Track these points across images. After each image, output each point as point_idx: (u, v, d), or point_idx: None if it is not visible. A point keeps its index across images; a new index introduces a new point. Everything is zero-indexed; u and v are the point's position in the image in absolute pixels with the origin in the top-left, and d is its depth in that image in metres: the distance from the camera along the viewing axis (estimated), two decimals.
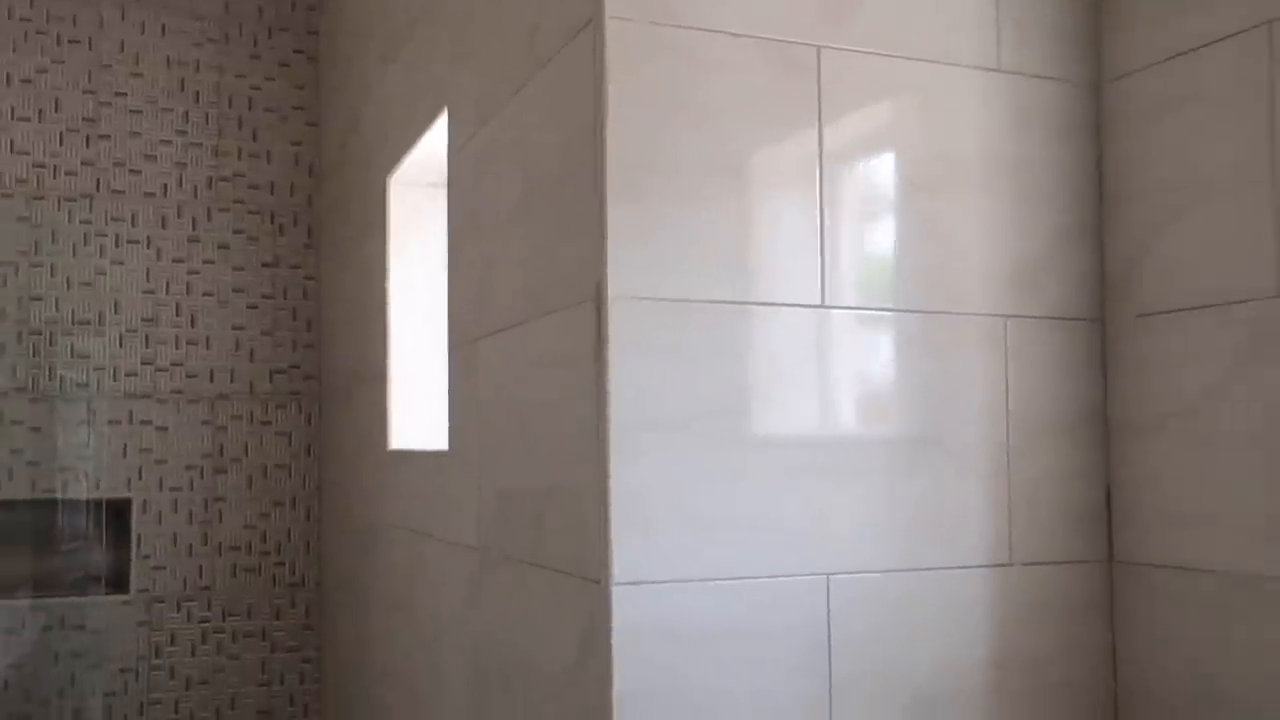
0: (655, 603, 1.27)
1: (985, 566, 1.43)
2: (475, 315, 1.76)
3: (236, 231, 3.15)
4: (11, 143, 2.97)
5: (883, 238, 1.41)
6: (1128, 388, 1.47)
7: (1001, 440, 1.44)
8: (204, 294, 3.12)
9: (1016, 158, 1.47)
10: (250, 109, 3.17)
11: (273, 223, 3.19)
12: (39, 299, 2.97)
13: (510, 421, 1.60)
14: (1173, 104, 1.41)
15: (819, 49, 1.37)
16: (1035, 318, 1.47)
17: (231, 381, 3.12)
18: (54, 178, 3.00)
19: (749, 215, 1.34)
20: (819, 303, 1.37)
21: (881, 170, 1.41)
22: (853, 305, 1.38)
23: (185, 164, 3.11)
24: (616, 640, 1.25)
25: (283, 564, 3.13)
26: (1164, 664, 1.42)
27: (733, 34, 1.33)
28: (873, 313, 1.39)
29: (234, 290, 3.15)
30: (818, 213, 1.37)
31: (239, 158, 3.16)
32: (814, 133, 1.37)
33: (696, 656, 1.28)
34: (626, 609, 1.26)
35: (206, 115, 3.13)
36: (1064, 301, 1.48)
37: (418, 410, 2.30)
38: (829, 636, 1.34)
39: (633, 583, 1.26)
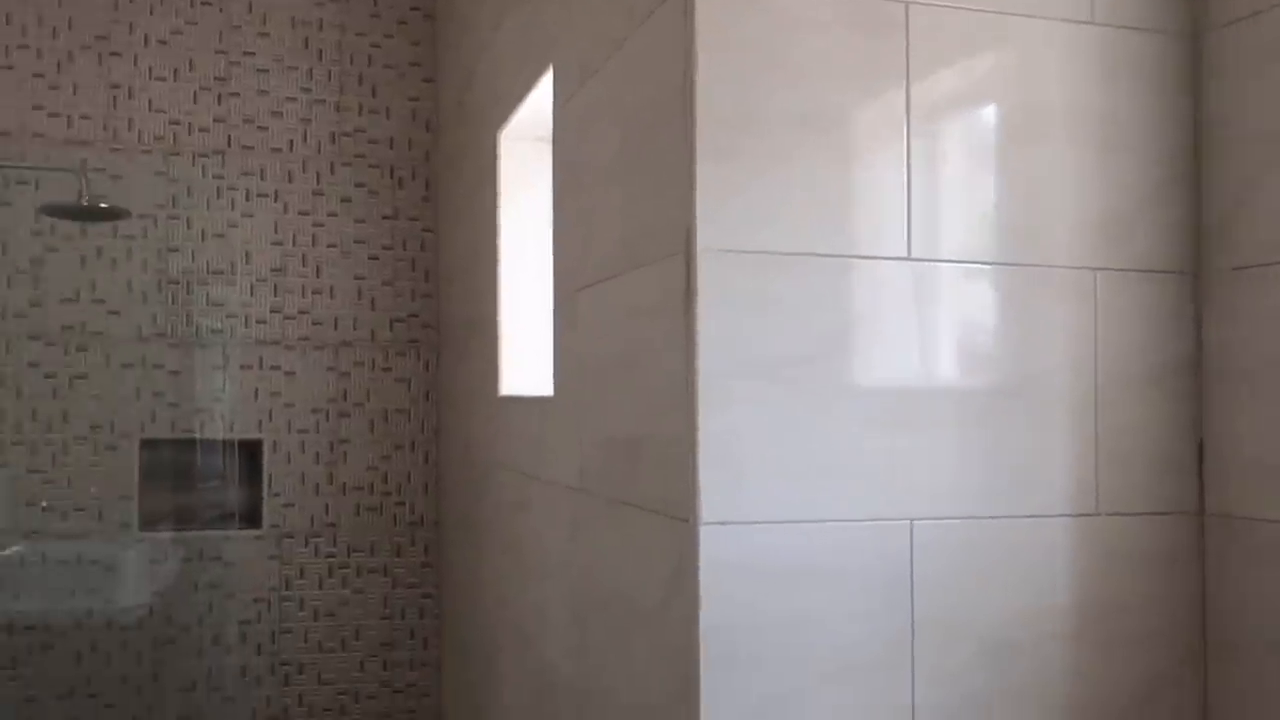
0: (740, 542, 1.33)
1: (1070, 515, 1.45)
2: (576, 267, 1.83)
3: (358, 185, 3.28)
4: (150, 101, 3.14)
5: (970, 191, 1.43)
6: (1221, 340, 1.47)
7: (1089, 391, 1.46)
8: (328, 245, 3.25)
9: (1108, 110, 1.47)
10: (370, 66, 3.28)
11: (392, 176, 3.31)
12: (176, 250, 3.15)
13: (608, 369, 1.67)
14: (1276, 54, 1.40)
15: (907, 4, 1.39)
16: (1125, 270, 1.47)
17: (354, 329, 3.27)
18: (189, 135, 3.16)
19: (835, 170, 1.37)
20: (905, 255, 1.40)
21: (969, 125, 1.43)
22: (938, 258, 1.41)
23: (309, 120, 3.24)
24: (703, 577, 1.32)
25: (403, 504, 3.28)
26: (1254, 616, 1.43)
27: None
28: (959, 265, 1.41)
29: (356, 242, 3.28)
30: (904, 167, 1.40)
31: (359, 113, 3.28)
32: (901, 88, 1.40)
33: (779, 593, 1.34)
34: (712, 547, 1.32)
35: (329, 73, 3.25)
36: (1155, 254, 1.49)
37: (526, 358, 2.39)
38: (911, 578, 1.39)
39: (719, 523, 1.32)
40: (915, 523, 1.39)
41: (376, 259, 3.30)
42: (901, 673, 1.38)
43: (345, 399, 3.26)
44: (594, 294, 1.73)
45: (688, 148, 1.34)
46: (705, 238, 1.32)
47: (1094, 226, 1.46)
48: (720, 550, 1.32)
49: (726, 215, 1.33)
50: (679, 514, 1.36)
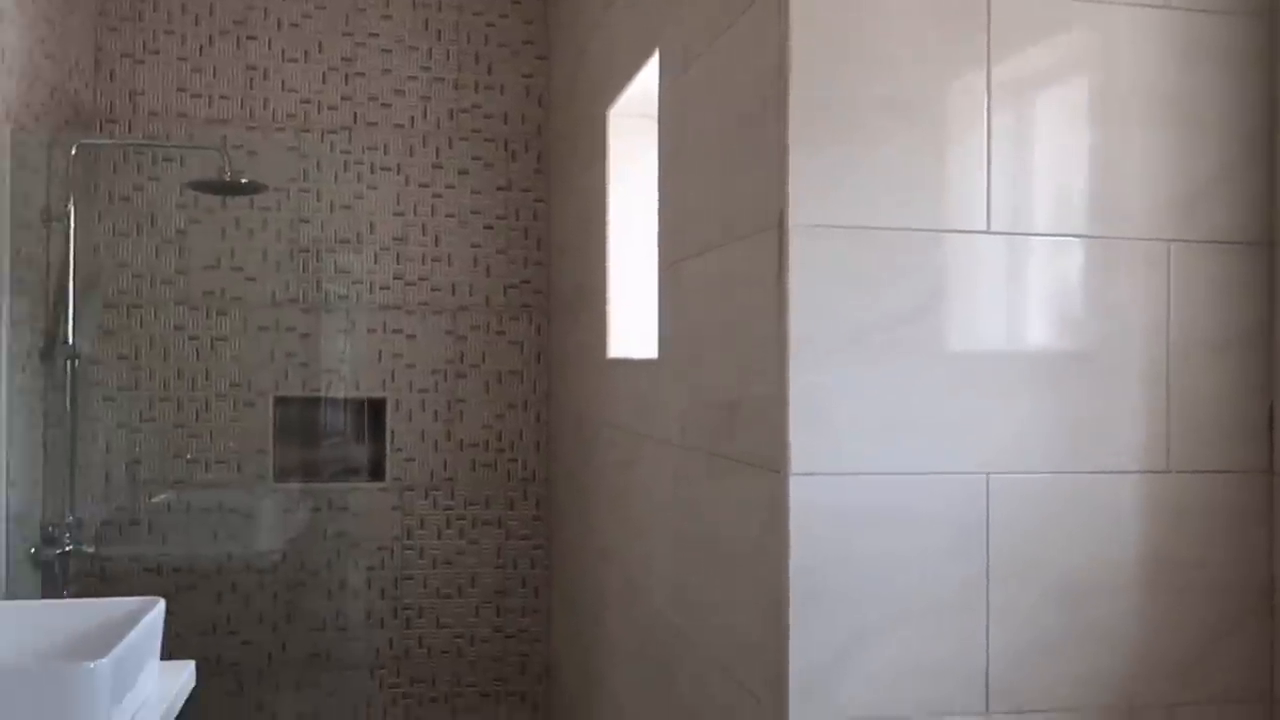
0: (826, 491, 1.46)
1: (1141, 472, 1.55)
2: (678, 238, 1.97)
3: (474, 158, 3.45)
4: (283, 82, 3.35)
5: (1048, 168, 1.52)
6: None
7: (1162, 356, 1.55)
8: (446, 215, 3.44)
9: (1185, 89, 1.55)
10: (486, 44, 3.45)
11: (506, 150, 3.47)
12: (306, 221, 3.36)
13: (708, 334, 1.80)
14: None
15: None
16: (1199, 242, 1.55)
17: (470, 295, 3.45)
18: (318, 113, 3.36)
19: (920, 150, 1.48)
20: (985, 229, 1.50)
21: (1048, 105, 1.52)
22: (1017, 231, 1.51)
23: (429, 97, 3.42)
24: (792, 523, 1.45)
25: (515, 460, 3.47)
26: None
27: None
28: (1037, 237, 1.51)
29: (472, 212, 3.46)
30: (985, 145, 1.50)
31: (476, 90, 3.45)
32: (983, 71, 1.50)
33: (862, 538, 1.46)
34: (801, 496, 1.45)
35: (447, 52, 3.43)
36: (1229, 227, 1.56)
37: (632, 323, 2.53)
38: (987, 527, 1.50)
39: (807, 474, 1.45)
40: (992, 476, 1.50)
41: (491, 228, 3.47)
42: (976, 614, 1.50)
43: (462, 361, 3.45)
44: (694, 264, 1.87)
45: (780, 130, 1.46)
46: (797, 214, 1.45)
47: (1169, 201, 1.55)
48: (808, 498, 1.45)
49: (815, 192, 1.45)
50: (772, 466, 1.50)
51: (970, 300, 1.50)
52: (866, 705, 1.46)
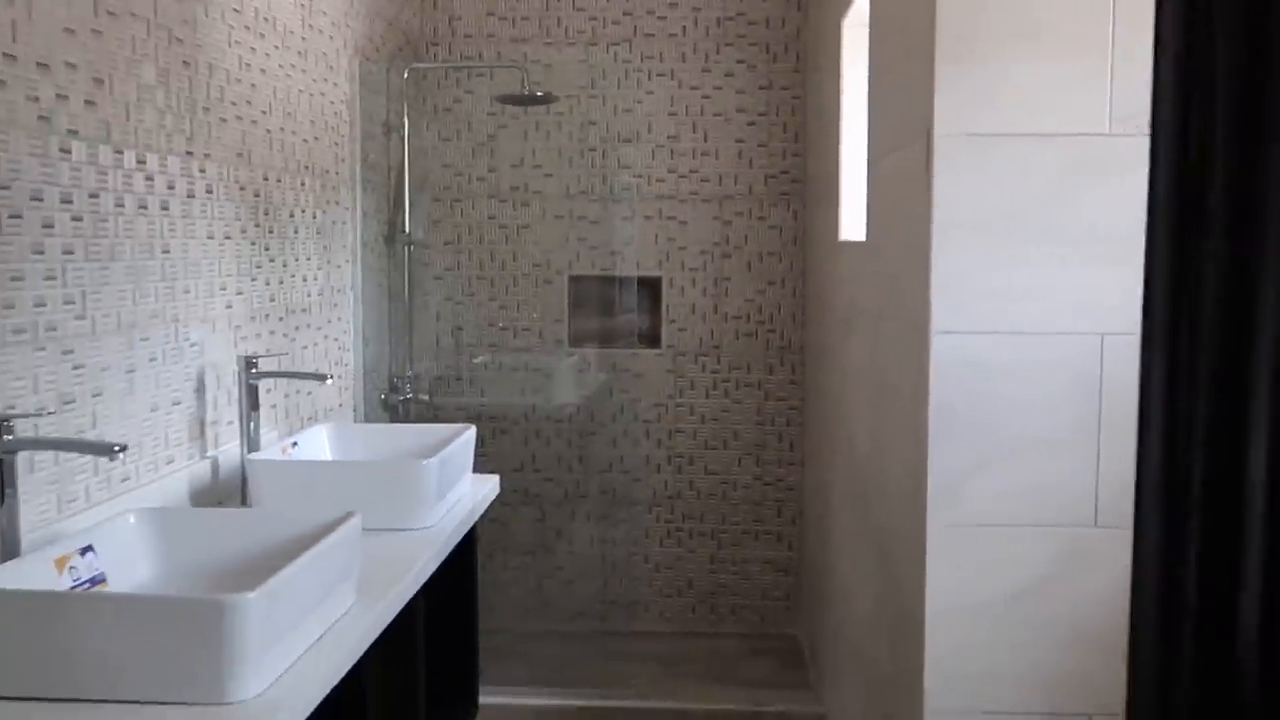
0: (961, 345, 1.84)
1: None
2: (879, 139, 2.34)
3: (739, 61, 3.86)
4: (573, 2, 3.86)
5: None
6: None
7: None
8: (714, 114, 3.88)
9: None
10: None
11: (767, 52, 3.86)
12: (594, 123, 3.90)
13: (891, 221, 2.19)
14: None
15: None
16: None
17: (735, 185, 3.89)
18: (603, 28, 3.86)
19: (1048, 65, 1.80)
20: (1106, 132, 1.81)
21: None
22: (1129, 133, 1.80)
23: (699, 9, 3.85)
24: (932, 369, 1.85)
25: (773, 331, 3.93)
26: None
27: None
28: (1143, 139, 1.80)
29: (737, 110, 3.88)
30: (1109, 61, 1.79)
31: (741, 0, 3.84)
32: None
33: (990, 384, 1.84)
34: (940, 349, 1.84)
35: None
36: None
37: (854, 210, 2.92)
38: (1100, 378, 1.84)
39: (946, 331, 1.84)
40: (1105, 336, 1.83)
41: (754, 124, 3.88)
42: (1088, 448, 1.85)
43: (727, 243, 3.91)
44: (886, 161, 2.24)
45: (929, 52, 1.82)
46: (940, 124, 1.81)
47: None
48: (945, 351, 1.84)
49: (957, 106, 1.80)
50: (919, 325, 1.89)
51: (1089, 191, 1.81)
52: (988, 514, 1.86)
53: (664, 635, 3.94)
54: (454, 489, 2.30)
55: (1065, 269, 1.82)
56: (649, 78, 3.87)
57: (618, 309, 3.99)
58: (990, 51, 1.80)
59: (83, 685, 1.26)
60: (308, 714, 1.36)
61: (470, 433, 2.43)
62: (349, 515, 1.64)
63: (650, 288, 3.95)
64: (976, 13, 1.79)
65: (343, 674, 1.49)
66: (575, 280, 3.96)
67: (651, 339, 3.97)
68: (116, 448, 1.47)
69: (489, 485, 2.52)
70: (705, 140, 3.88)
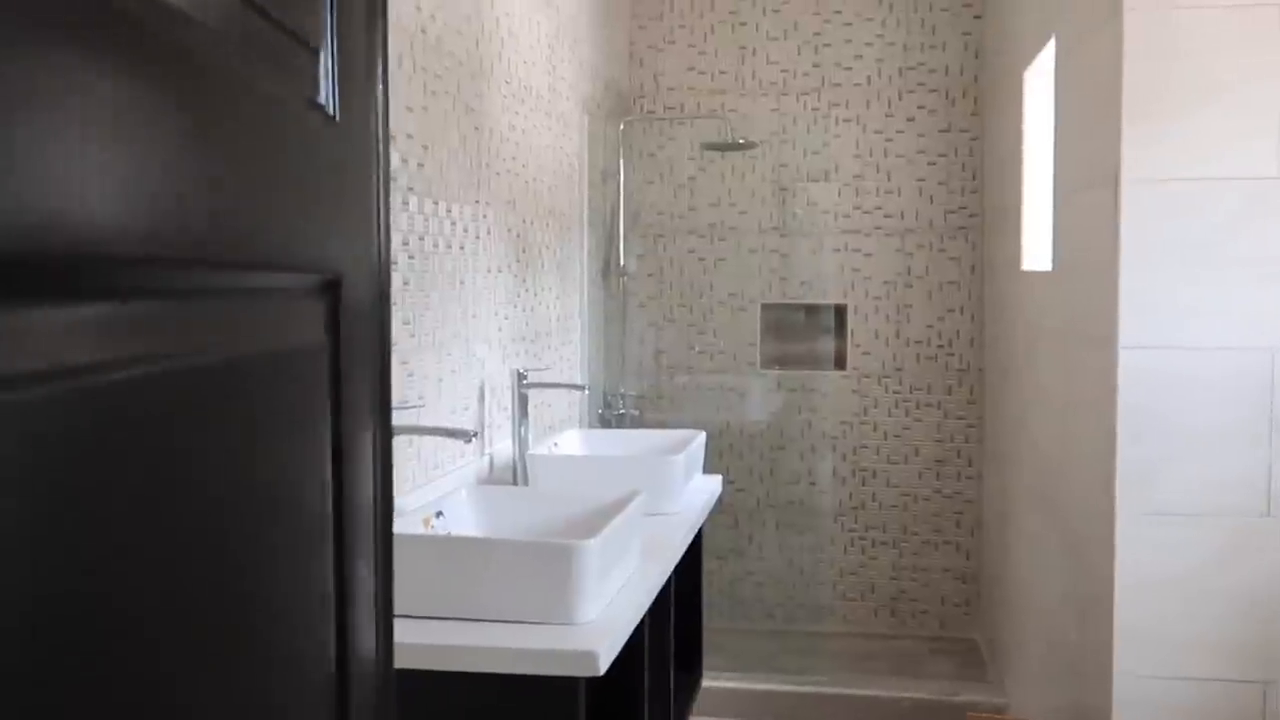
0: (1148, 359, 2.14)
1: None
2: (1066, 178, 2.65)
3: (920, 107, 4.20)
4: (766, 56, 4.26)
5: None
6: None
7: None
8: (896, 156, 4.22)
9: None
10: (930, 11, 4.16)
11: (947, 98, 4.18)
12: (785, 165, 4.28)
13: (1079, 253, 2.50)
14: None
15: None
16: None
17: (916, 219, 4.22)
18: (794, 79, 4.25)
19: (1224, 119, 2.10)
20: (1275, 175, 2.10)
21: None
22: None
23: (883, 59, 4.20)
24: (1120, 380, 2.16)
25: (953, 355, 4.22)
26: None
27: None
28: None
29: (918, 152, 4.21)
30: (1277, 115, 2.09)
31: (921, 50, 4.18)
32: (1275, 56, 2.08)
33: (1172, 392, 2.14)
34: (1128, 362, 2.15)
35: (898, 19, 4.18)
36: None
37: (1036, 242, 3.22)
38: (1272, 387, 2.12)
39: (1134, 347, 2.15)
40: (1276, 352, 2.12)
41: (934, 164, 4.21)
42: (1260, 449, 2.13)
43: (909, 274, 4.24)
44: (1075, 199, 2.56)
45: (1117, 109, 2.14)
46: (1127, 171, 2.13)
47: None
48: (1133, 364, 2.15)
49: (1141, 156, 2.12)
50: (1108, 342, 2.21)
51: (1260, 224, 2.11)
52: (1170, 504, 2.15)
53: (849, 636, 4.26)
54: (692, 481, 2.69)
55: (1238, 292, 2.11)
56: (836, 124, 4.24)
57: (806, 334, 4.35)
58: (1171, 110, 2.11)
59: (479, 608, 1.67)
60: (626, 638, 1.76)
61: (702, 437, 2.83)
62: (636, 493, 2.04)
63: (837, 315, 4.30)
64: (1159, 75, 2.11)
65: (642, 614, 1.89)
66: (766, 308, 4.34)
67: (838, 362, 4.31)
68: (471, 433, 1.90)
69: (713, 483, 2.91)
70: (889, 180, 4.22)
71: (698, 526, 2.54)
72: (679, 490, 2.51)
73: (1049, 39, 2.90)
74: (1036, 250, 3.21)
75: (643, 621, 1.97)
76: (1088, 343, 2.39)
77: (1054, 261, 2.81)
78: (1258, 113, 2.09)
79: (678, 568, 2.43)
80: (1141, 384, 2.15)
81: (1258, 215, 2.11)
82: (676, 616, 2.70)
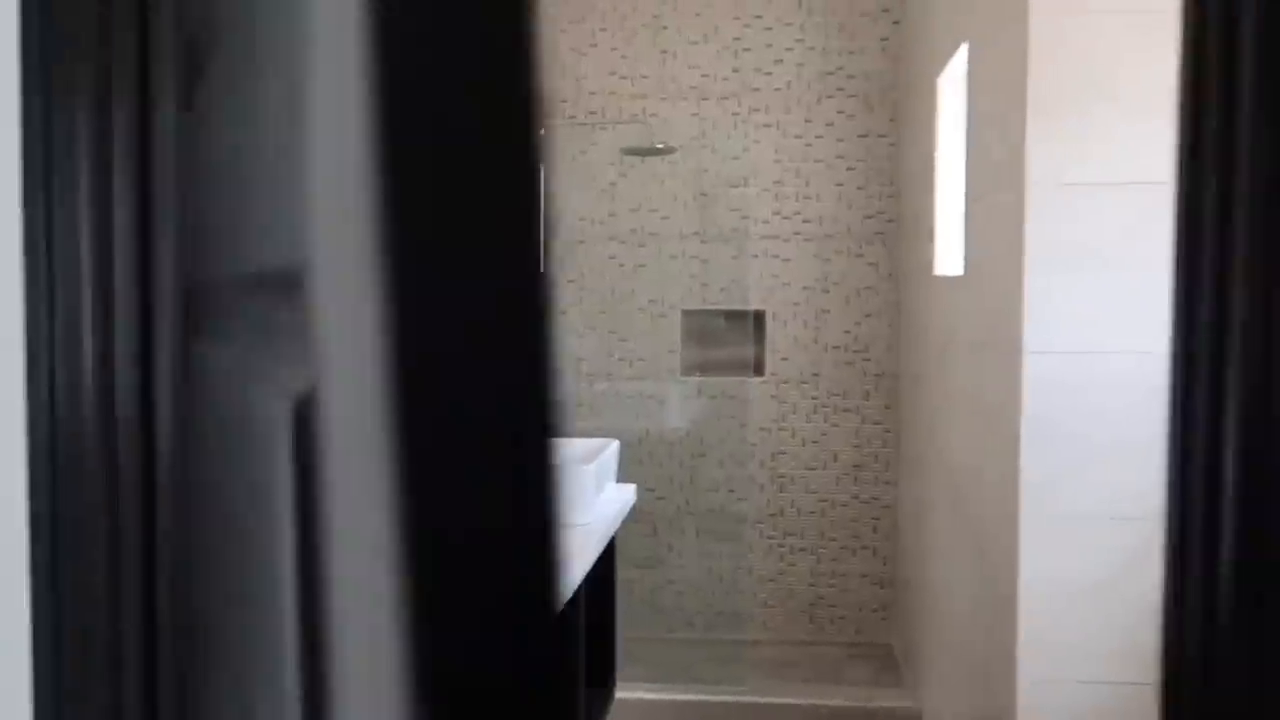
0: (1051, 364, 2.15)
1: None
2: (976, 183, 2.66)
3: (839, 112, 4.21)
4: (688, 59, 4.24)
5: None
6: None
7: None
8: (815, 161, 4.22)
9: None
10: (849, 15, 4.17)
11: (865, 103, 4.19)
12: (705, 170, 4.26)
13: (988, 255, 2.50)
14: None
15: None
16: None
17: (834, 225, 4.23)
18: (714, 83, 4.24)
19: (1123, 123, 2.11)
20: (1167, 180, 2.11)
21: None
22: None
23: (803, 64, 4.20)
24: (1024, 387, 2.16)
25: (870, 360, 4.23)
26: None
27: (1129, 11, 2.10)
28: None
29: (837, 157, 4.22)
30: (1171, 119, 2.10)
31: (840, 55, 4.19)
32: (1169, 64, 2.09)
33: (1075, 398, 2.14)
34: (1033, 368, 2.15)
35: (817, 24, 4.18)
36: None
37: (947, 247, 3.23)
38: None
39: (1038, 352, 2.15)
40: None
41: (853, 170, 4.22)
42: (1163, 458, 2.13)
43: (827, 279, 4.24)
44: (984, 204, 2.56)
45: (1021, 111, 2.14)
46: (1031, 175, 2.14)
47: None
48: (1038, 368, 2.15)
49: (1047, 159, 2.13)
50: (1013, 347, 2.21)
51: (1151, 230, 2.12)
52: (1074, 510, 2.16)
53: (768, 643, 4.24)
54: (603, 492, 2.65)
55: (1141, 297, 2.12)
56: (755, 129, 4.23)
57: (725, 341, 4.33)
58: (1074, 114, 2.12)
59: None
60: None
61: (614, 445, 2.79)
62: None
63: (756, 320, 4.29)
64: (1063, 79, 2.12)
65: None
66: (687, 314, 4.31)
67: (756, 367, 4.30)
68: None
69: (628, 492, 2.87)
70: (808, 185, 4.22)
71: (609, 537, 2.50)
72: (590, 500, 2.47)
73: (961, 45, 2.91)
74: (948, 255, 3.22)
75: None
76: (995, 347, 2.40)
77: (965, 266, 2.81)
78: (1154, 117, 2.10)
79: (589, 578, 2.39)
80: (1046, 388, 2.15)
81: (1156, 219, 2.12)
82: (588, 629, 2.66)
